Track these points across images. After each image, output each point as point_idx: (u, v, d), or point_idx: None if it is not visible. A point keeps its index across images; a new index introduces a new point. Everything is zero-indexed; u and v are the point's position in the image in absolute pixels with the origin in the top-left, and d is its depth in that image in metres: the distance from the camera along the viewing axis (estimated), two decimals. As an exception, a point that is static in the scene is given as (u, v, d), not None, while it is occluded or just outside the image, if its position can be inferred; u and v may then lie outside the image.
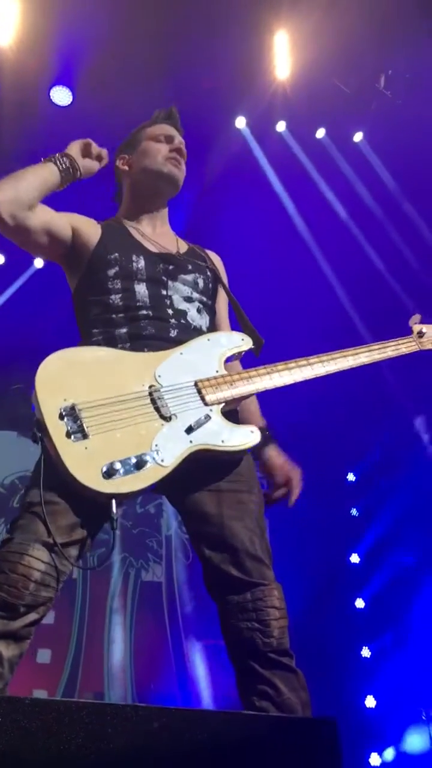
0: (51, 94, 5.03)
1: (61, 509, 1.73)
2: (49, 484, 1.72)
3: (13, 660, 1.63)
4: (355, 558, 6.61)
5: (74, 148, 2.13)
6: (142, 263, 2.09)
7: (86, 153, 2.14)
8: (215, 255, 2.38)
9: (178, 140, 2.30)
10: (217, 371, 1.95)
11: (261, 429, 1.97)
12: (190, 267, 2.18)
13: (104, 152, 2.19)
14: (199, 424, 1.82)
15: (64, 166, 2.06)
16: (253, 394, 1.98)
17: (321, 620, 5.62)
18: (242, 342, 2.06)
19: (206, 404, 1.86)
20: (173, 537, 6.59)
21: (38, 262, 6.17)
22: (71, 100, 5.07)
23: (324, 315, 6.04)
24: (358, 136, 5.63)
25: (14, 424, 6.56)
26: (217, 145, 5.46)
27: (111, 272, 2.07)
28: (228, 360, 2.02)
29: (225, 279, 2.33)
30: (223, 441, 1.83)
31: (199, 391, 1.88)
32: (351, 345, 2.19)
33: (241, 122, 5.49)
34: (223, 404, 1.90)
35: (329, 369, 2.07)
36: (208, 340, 2.04)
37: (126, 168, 2.32)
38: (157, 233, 2.25)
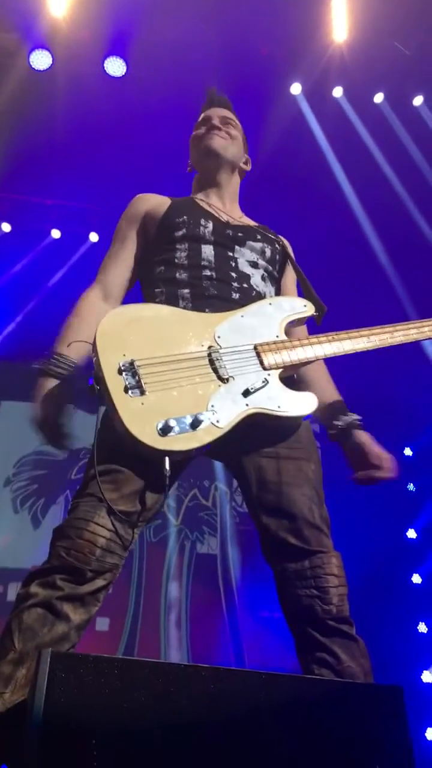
0: (105, 65, 5.00)
1: (125, 477, 1.74)
2: (113, 453, 1.74)
3: (81, 624, 1.66)
4: (412, 533, 6.52)
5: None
6: (210, 227, 2.13)
7: None
8: (284, 238, 2.40)
9: (216, 117, 2.38)
10: (277, 336, 1.94)
11: (338, 408, 2.00)
12: (258, 237, 2.21)
13: None
14: (257, 387, 1.80)
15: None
16: (312, 360, 1.95)
17: (377, 596, 5.57)
18: (305, 308, 2.04)
19: (264, 368, 1.85)
20: (227, 510, 6.61)
21: (93, 236, 6.21)
22: (125, 70, 5.03)
23: (371, 290, 5.90)
24: (418, 100, 5.44)
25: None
26: (272, 114, 5.35)
27: (179, 234, 2.10)
28: (290, 326, 2.00)
29: (293, 258, 2.33)
30: (279, 407, 1.81)
31: (258, 355, 1.87)
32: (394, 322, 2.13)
33: (296, 89, 5.36)
34: (282, 369, 1.87)
35: (393, 341, 2.04)
36: (270, 304, 2.02)
37: (191, 168, 2.44)
38: (227, 208, 2.29)
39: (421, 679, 5.74)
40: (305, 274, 2.23)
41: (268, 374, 1.84)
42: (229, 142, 2.35)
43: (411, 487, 6.76)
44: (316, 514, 1.81)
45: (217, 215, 2.21)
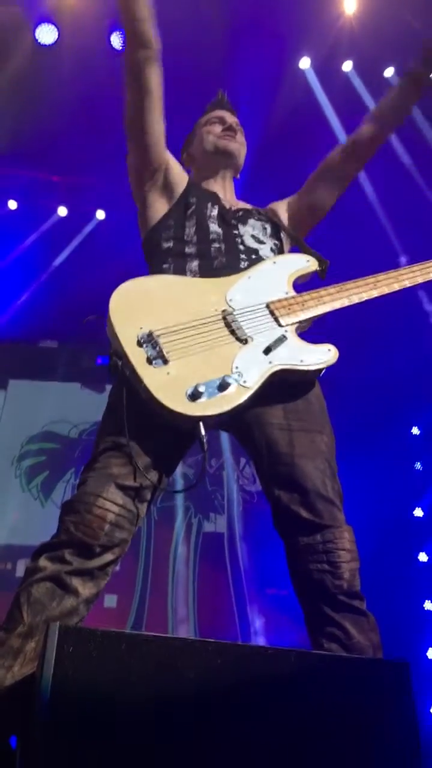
0: (111, 39, 4.93)
1: (134, 452, 1.75)
2: (122, 429, 1.74)
3: (89, 598, 1.68)
4: (418, 512, 6.53)
5: None
6: (216, 210, 2.21)
7: None
8: (272, 205, 2.45)
9: (231, 120, 2.45)
10: (286, 293, 1.99)
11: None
12: (257, 215, 2.29)
13: None
14: (277, 345, 1.83)
15: None
16: (325, 313, 1.98)
17: (383, 574, 5.59)
18: (308, 263, 2.10)
19: (281, 325, 1.88)
20: (235, 488, 6.63)
21: (100, 214, 6.17)
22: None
23: (378, 263, 5.83)
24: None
25: (78, 375, 6.68)
26: (281, 88, 5.28)
27: (188, 212, 2.17)
28: (296, 282, 2.04)
29: (284, 224, 2.40)
30: (302, 360, 1.84)
31: (272, 313, 1.91)
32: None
33: (305, 63, 5.28)
34: (297, 325, 1.91)
35: (399, 285, 2.09)
36: (274, 263, 2.07)
37: (190, 158, 2.49)
38: (227, 198, 2.36)
39: (426, 656, 5.78)
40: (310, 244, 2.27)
41: (285, 330, 1.88)
42: (242, 149, 2.45)
43: (418, 465, 6.77)
44: (329, 487, 1.81)
45: (220, 199, 2.29)
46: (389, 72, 5.32)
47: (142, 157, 2.20)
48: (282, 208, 2.40)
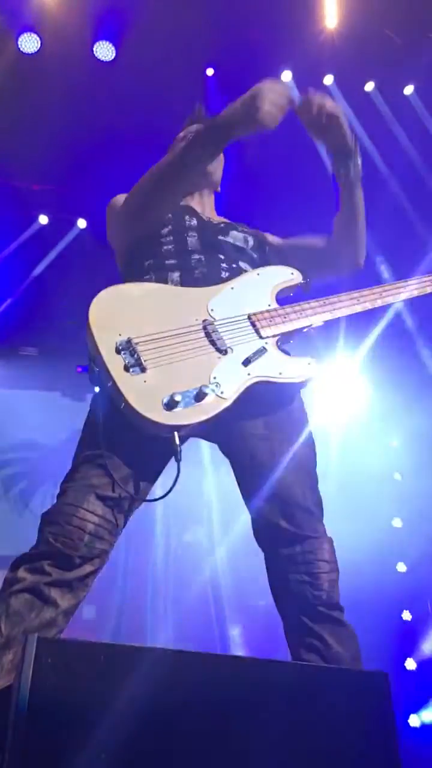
0: (94, 49, 4.94)
1: (115, 463, 1.75)
2: (103, 438, 1.74)
3: (69, 609, 1.67)
4: (397, 522, 6.56)
5: None
6: (194, 222, 2.20)
7: None
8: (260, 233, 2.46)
9: None
10: (269, 305, 1.98)
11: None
12: (239, 229, 2.29)
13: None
14: (256, 356, 1.82)
15: None
16: (307, 327, 1.97)
17: (362, 583, 5.61)
18: (292, 276, 2.09)
19: (261, 337, 1.88)
20: (214, 498, 6.62)
21: (81, 223, 6.16)
22: (114, 55, 4.97)
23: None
24: (408, 90, 5.41)
25: (58, 384, 6.64)
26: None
27: (165, 230, 2.14)
28: (279, 295, 2.04)
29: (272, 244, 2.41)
30: (280, 373, 1.83)
31: (253, 324, 1.91)
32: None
33: (287, 76, 5.31)
34: (278, 337, 1.90)
35: (382, 301, 2.10)
36: (258, 274, 2.07)
37: None
38: (206, 214, 2.36)
39: (404, 666, 5.80)
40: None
41: (266, 342, 1.87)
42: (219, 165, 2.44)
43: (397, 476, 6.81)
44: (309, 499, 1.82)
45: (198, 213, 2.28)
46: (370, 86, 5.38)
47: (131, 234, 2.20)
48: (268, 239, 2.40)
